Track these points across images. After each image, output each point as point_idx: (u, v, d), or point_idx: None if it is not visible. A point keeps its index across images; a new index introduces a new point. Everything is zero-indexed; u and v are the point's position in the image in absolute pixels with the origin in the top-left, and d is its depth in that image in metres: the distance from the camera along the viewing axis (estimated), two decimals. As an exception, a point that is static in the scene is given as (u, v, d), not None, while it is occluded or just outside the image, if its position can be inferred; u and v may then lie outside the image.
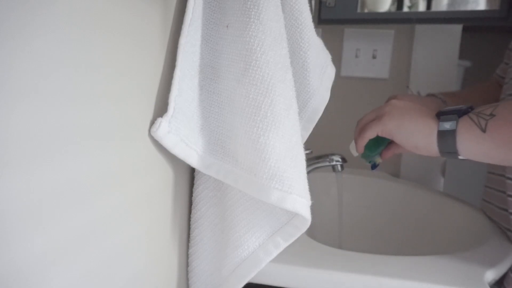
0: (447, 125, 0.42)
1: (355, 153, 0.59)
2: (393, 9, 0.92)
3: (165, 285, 0.38)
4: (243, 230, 0.38)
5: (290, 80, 0.36)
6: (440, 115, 0.44)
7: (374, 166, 0.60)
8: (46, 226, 0.20)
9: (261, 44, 0.32)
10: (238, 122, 0.34)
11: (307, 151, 0.56)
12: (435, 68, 0.95)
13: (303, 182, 0.35)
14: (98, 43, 0.23)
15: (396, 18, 0.92)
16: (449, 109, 0.44)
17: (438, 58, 0.95)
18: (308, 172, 0.64)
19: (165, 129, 0.31)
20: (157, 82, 0.33)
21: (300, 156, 0.36)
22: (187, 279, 0.44)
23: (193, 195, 0.42)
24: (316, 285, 0.45)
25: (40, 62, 0.19)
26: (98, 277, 0.26)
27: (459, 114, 0.43)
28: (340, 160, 0.74)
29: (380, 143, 0.55)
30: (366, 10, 0.93)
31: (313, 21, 0.43)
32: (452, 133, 0.42)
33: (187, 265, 0.44)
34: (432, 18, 0.89)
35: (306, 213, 0.35)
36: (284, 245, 0.38)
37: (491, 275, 0.46)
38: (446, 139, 0.43)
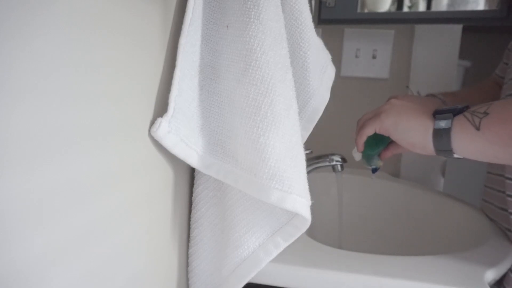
0: (442, 124, 0.43)
1: (357, 158, 0.59)
2: (393, 9, 0.92)
3: (165, 285, 0.38)
4: (243, 230, 0.38)
5: (290, 80, 0.36)
6: (436, 114, 0.44)
7: (374, 170, 0.60)
8: (46, 226, 0.20)
9: (261, 44, 0.32)
10: (238, 122, 0.34)
11: (307, 151, 0.56)
12: (435, 68, 0.95)
13: (303, 182, 0.35)
14: (98, 43, 0.23)
15: (396, 18, 0.92)
16: (445, 108, 0.45)
17: (438, 58, 0.95)
18: (308, 172, 0.64)
19: (165, 129, 0.31)
20: (157, 82, 0.33)
21: (300, 156, 0.36)
22: (187, 279, 0.44)
23: (193, 195, 0.42)
24: (316, 285, 0.45)
25: (40, 62, 0.19)
26: (98, 277, 0.26)
27: (455, 113, 0.43)
28: (340, 160, 0.74)
29: (380, 142, 0.55)
30: (366, 10, 0.93)
31: (313, 21, 0.43)
32: (447, 131, 0.42)
33: (187, 265, 0.44)
34: (432, 18, 0.89)
35: (306, 213, 0.35)
36: (284, 245, 0.38)
37: (491, 275, 0.46)
38: (441, 137, 0.43)
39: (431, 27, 0.94)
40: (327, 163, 0.74)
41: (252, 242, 0.38)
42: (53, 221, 0.21)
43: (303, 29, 0.41)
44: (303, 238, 0.53)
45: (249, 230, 0.38)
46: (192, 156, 0.35)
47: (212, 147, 0.36)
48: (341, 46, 1.00)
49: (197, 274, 0.43)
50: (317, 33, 0.45)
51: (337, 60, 1.00)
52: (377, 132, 0.50)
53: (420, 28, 0.95)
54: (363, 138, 0.53)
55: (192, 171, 0.43)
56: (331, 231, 0.76)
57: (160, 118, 0.31)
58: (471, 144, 0.41)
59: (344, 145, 0.74)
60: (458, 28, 0.94)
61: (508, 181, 0.56)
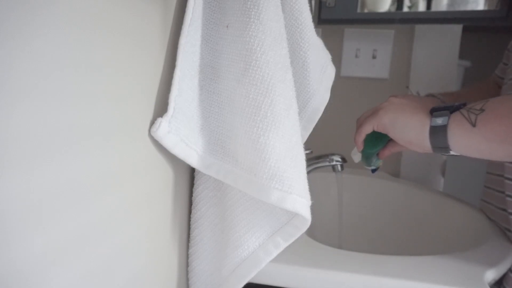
0: (439, 121, 0.43)
1: (357, 159, 0.60)
2: (393, 9, 0.92)
3: (165, 285, 0.38)
4: (243, 230, 0.38)
5: (290, 80, 0.36)
6: (433, 111, 0.45)
7: (374, 170, 0.60)
8: (46, 226, 0.20)
9: (261, 44, 0.32)
10: (238, 122, 0.34)
11: (307, 151, 0.56)
12: (435, 68, 0.95)
13: (303, 182, 0.35)
14: (98, 43, 0.23)
15: (396, 18, 0.92)
16: (442, 106, 0.45)
17: (438, 58, 0.95)
18: (308, 172, 0.64)
19: (165, 129, 0.31)
20: (157, 82, 0.33)
21: (300, 156, 0.36)
22: (187, 279, 0.44)
23: (193, 195, 0.42)
24: (316, 285, 0.45)
25: (40, 62, 0.19)
26: (98, 277, 0.26)
27: (451, 110, 0.43)
28: (340, 160, 0.74)
29: (379, 141, 0.55)
30: (366, 10, 0.93)
31: (313, 21, 0.43)
32: (443, 128, 0.43)
33: (187, 265, 0.44)
34: (432, 18, 0.89)
35: (306, 213, 0.35)
36: (284, 245, 0.38)
37: (491, 275, 0.46)
38: (437, 134, 0.43)
39: (431, 27, 0.94)
40: (327, 163, 0.74)
41: (252, 242, 0.38)
42: (53, 221, 0.21)
43: (303, 29, 0.41)
44: (303, 238, 0.53)
45: (249, 230, 0.38)
46: (192, 156, 0.35)
47: (212, 147, 0.36)
48: (341, 46, 1.00)
49: (197, 274, 0.43)
50: (317, 33, 0.45)
51: (337, 60, 1.00)
52: (375, 129, 0.51)
53: (420, 28, 0.95)
54: (362, 136, 0.53)
55: (192, 171, 0.43)
56: (331, 231, 0.76)
57: (160, 118, 0.31)
58: (467, 140, 0.41)
59: (344, 145, 0.74)
60: (458, 28, 0.94)
61: (507, 181, 0.56)
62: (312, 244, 0.52)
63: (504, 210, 0.58)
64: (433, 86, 0.95)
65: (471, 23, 0.92)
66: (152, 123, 0.32)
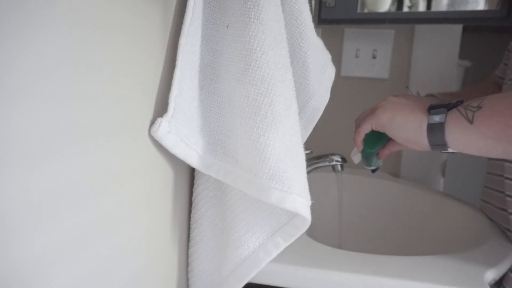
0: (436, 118, 0.43)
1: (356, 160, 0.59)
2: (393, 9, 0.92)
3: (165, 285, 0.38)
4: (243, 230, 0.38)
5: (290, 80, 0.36)
6: (431, 109, 0.45)
7: (374, 170, 0.60)
8: (46, 226, 0.20)
9: (261, 44, 0.32)
10: (238, 122, 0.34)
11: (307, 151, 0.56)
12: (435, 68, 0.95)
13: (303, 182, 0.35)
14: (98, 43, 0.23)
15: (396, 18, 0.92)
16: (440, 104, 0.45)
17: (438, 58, 0.95)
18: (308, 172, 0.64)
19: (165, 129, 0.31)
20: (157, 82, 0.33)
21: (300, 156, 0.36)
22: (187, 279, 0.44)
23: (193, 195, 0.42)
24: (316, 285, 0.45)
25: (40, 62, 0.19)
26: (98, 277, 0.26)
27: (449, 107, 0.43)
28: (340, 160, 0.74)
29: (378, 140, 0.55)
30: (366, 10, 0.93)
31: (313, 21, 0.43)
32: (441, 125, 0.43)
33: (187, 265, 0.44)
34: (432, 18, 0.89)
35: (306, 213, 0.35)
36: (284, 245, 0.38)
37: (491, 275, 0.46)
38: (435, 132, 0.43)
39: (431, 27, 0.93)
40: (327, 163, 0.74)
41: (252, 242, 0.38)
42: (53, 221, 0.21)
43: (303, 29, 0.41)
44: (303, 238, 0.53)
45: (249, 230, 0.38)
46: (192, 156, 0.35)
47: (212, 147, 0.36)
48: (341, 46, 1.00)
49: (197, 274, 0.43)
50: (317, 33, 0.45)
51: (337, 60, 1.00)
52: (374, 129, 0.51)
53: (420, 28, 0.95)
54: (361, 136, 0.53)
55: (192, 171, 0.43)
56: (331, 231, 0.76)
57: (160, 118, 0.31)
58: (464, 137, 0.42)
59: (344, 145, 0.74)
60: (458, 28, 0.93)
61: (507, 181, 0.56)
62: (312, 244, 0.52)
63: (504, 210, 0.58)
64: (433, 86, 0.95)
65: (471, 23, 0.92)
66: (152, 123, 0.32)
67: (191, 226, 0.43)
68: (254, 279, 0.41)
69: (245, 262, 0.38)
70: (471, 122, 0.40)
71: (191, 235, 0.43)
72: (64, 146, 0.21)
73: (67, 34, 0.21)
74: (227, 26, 0.34)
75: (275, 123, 0.33)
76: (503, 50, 0.69)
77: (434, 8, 0.89)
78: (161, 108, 0.33)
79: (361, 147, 0.55)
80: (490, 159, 0.63)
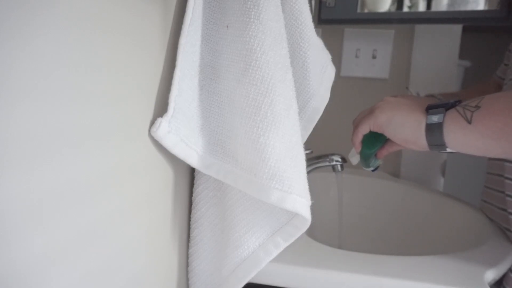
0: (435, 118, 0.43)
1: (354, 161, 0.59)
2: (393, 9, 0.92)
3: (165, 285, 0.38)
4: (243, 230, 0.38)
5: (290, 80, 0.36)
6: (429, 109, 0.45)
7: (374, 169, 0.60)
8: (46, 226, 0.20)
9: (261, 44, 0.32)
10: (238, 122, 0.34)
11: (307, 151, 0.56)
12: (435, 68, 0.95)
13: (303, 182, 0.35)
14: (98, 43, 0.23)
15: (396, 18, 0.92)
16: (438, 104, 0.45)
17: (438, 58, 0.95)
18: (308, 172, 0.64)
19: (165, 129, 0.31)
20: (157, 82, 0.33)
21: (300, 156, 0.36)
22: (187, 279, 0.44)
23: (193, 195, 0.42)
24: (316, 285, 0.45)
25: (40, 62, 0.19)
26: (98, 277, 0.26)
27: (447, 107, 0.43)
28: (340, 160, 0.74)
29: (377, 141, 0.55)
30: (366, 10, 0.93)
31: (313, 21, 0.43)
32: (439, 125, 0.43)
33: (187, 265, 0.44)
34: (432, 18, 0.89)
35: (306, 213, 0.35)
36: (284, 245, 0.38)
37: (491, 275, 0.46)
38: (433, 132, 0.43)
39: (431, 27, 0.94)
40: (327, 163, 0.74)
41: (252, 242, 0.38)
42: (53, 221, 0.21)
43: (303, 29, 0.41)
44: (303, 238, 0.53)
45: (249, 230, 0.38)
46: (192, 156, 0.35)
47: (212, 147, 0.36)
48: (341, 46, 1.00)
49: (197, 274, 0.43)
50: (317, 33, 0.45)
51: (337, 60, 1.00)
52: (372, 129, 0.51)
53: (420, 28, 0.95)
54: (359, 137, 0.53)
55: (192, 171, 0.43)
56: (331, 231, 0.76)
57: (160, 118, 0.31)
58: (463, 137, 0.41)
59: (344, 145, 0.74)
60: (458, 28, 0.94)
61: (507, 181, 0.56)
62: (312, 244, 0.52)
63: (504, 210, 0.58)
64: (433, 86, 0.95)
65: (471, 23, 0.92)
66: (152, 123, 0.32)
67: (191, 226, 0.43)
68: (254, 279, 0.41)
69: (245, 262, 0.38)
70: (469, 122, 0.40)
71: (191, 235, 0.43)
72: (64, 146, 0.21)
73: (67, 34, 0.21)
74: (227, 26, 0.34)
75: (275, 123, 0.33)
76: (503, 50, 0.69)
77: (434, 8, 0.89)
78: (161, 108, 0.33)
79: (359, 148, 0.55)
80: (490, 159, 0.63)
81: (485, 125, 0.39)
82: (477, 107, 0.41)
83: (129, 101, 0.28)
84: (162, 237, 0.37)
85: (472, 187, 1.03)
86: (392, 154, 0.57)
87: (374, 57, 0.98)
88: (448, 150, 0.44)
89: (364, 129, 0.51)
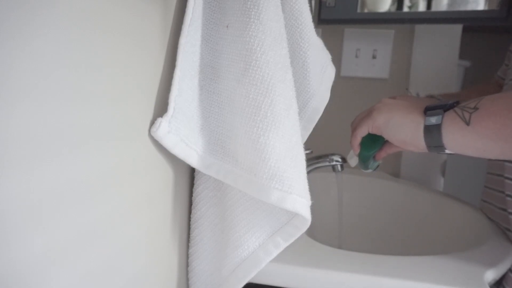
0: (433, 120, 0.43)
1: (353, 163, 0.59)
2: (393, 9, 0.92)
3: (165, 285, 0.38)
4: (243, 230, 0.38)
5: (290, 80, 0.36)
6: (427, 110, 0.45)
7: (374, 169, 0.60)
8: (46, 226, 0.20)
9: (261, 44, 0.32)
10: (238, 122, 0.34)
11: (307, 151, 0.56)
12: (435, 68, 0.95)
13: (303, 182, 0.35)
14: (98, 43, 0.23)
15: (396, 18, 0.92)
16: (436, 105, 0.45)
17: (438, 58, 0.95)
18: (308, 172, 0.64)
19: (165, 129, 0.31)
20: (157, 82, 0.33)
21: (300, 156, 0.36)
22: (187, 279, 0.44)
23: (193, 195, 0.42)
24: (316, 285, 0.45)
25: (40, 62, 0.19)
26: (98, 277, 0.26)
27: (445, 108, 0.43)
28: (340, 160, 0.74)
29: (375, 142, 0.55)
30: (366, 10, 0.93)
31: (313, 21, 0.43)
32: (437, 127, 0.42)
33: (187, 265, 0.44)
34: (432, 18, 0.89)
35: (306, 213, 0.35)
36: (284, 245, 0.38)
37: (491, 275, 0.46)
38: (432, 133, 0.43)
39: (431, 27, 0.94)
40: (327, 163, 0.74)
41: (252, 242, 0.38)
42: (53, 221, 0.21)
43: (303, 29, 0.41)
44: (303, 238, 0.53)
45: (249, 230, 0.38)
46: (192, 156, 0.35)
47: (212, 147, 0.36)
48: (341, 46, 1.00)
49: (197, 274, 0.43)
50: (317, 33, 0.45)
51: (337, 60, 1.00)
52: (370, 131, 0.50)
53: (420, 28, 0.95)
54: (357, 139, 0.53)
55: (192, 171, 0.43)
56: (331, 231, 0.76)
57: (160, 118, 0.31)
58: (462, 139, 0.41)
59: (344, 145, 0.74)
60: (458, 28, 0.94)
61: (507, 181, 0.56)
62: (312, 244, 0.52)
63: (504, 210, 0.58)
64: (433, 86, 0.95)
65: (471, 23, 0.92)
66: (152, 123, 0.32)
67: (191, 226, 0.43)
68: (254, 279, 0.41)
69: (245, 262, 0.38)
70: (468, 123, 0.40)
71: (191, 235, 0.43)
72: (64, 146, 0.21)
73: (67, 34, 0.21)
74: (227, 26, 0.34)
75: (275, 123, 0.33)
76: (503, 50, 0.69)
77: (434, 8, 0.89)
78: (161, 108, 0.33)
79: (358, 150, 0.55)
80: (490, 159, 0.63)
81: (484, 126, 0.39)
82: (476, 108, 0.41)
83: (129, 101, 0.28)
84: (162, 237, 0.37)
85: (472, 187, 1.03)
86: (392, 155, 0.57)
87: (374, 57, 0.98)
88: (447, 151, 0.44)
89: (362, 132, 0.51)
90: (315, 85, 0.44)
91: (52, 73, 0.20)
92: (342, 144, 0.80)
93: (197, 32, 0.34)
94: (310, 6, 0.54)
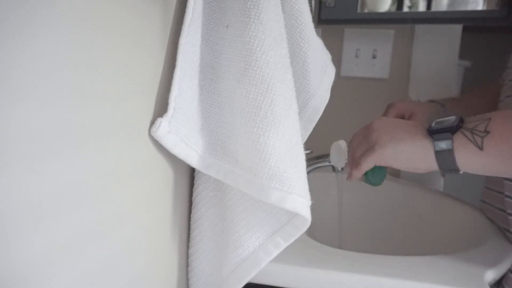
0: (442, 145, 0.42)
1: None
2: (393, 9, 0.92)
3: (165, 285, 0.38)
4: (243, 230, 0.38)
5: (290, 80, 0.36)
6: (433, 134, 0.43)
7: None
8: (46, 226, 0.20)
9: (261, 44, 0.32)
10: (238, 122, 0.34)
11: (307, 151, 0.55)
12: (435, 68, 0.95)
13: (303, 182, 0.35)
14: (98, 43, 0.23)
15: (396, 18, 0.92)
16: (440, 128, 0.43)
17: (438, 58, 0.95)
18: (308, 172, 0.63)
19: (165, 129, 0.31)
20: (157, 82, 0.33)
21: (300, 156, 0.36)
22: (187, 279, 0.44)
23: (193, 195, 0.42)
24: (316, 285, 0.45)
25: (40, 62, 0.19)
26: (98, 277, 0.26)
27: (452, 131, 0.42)
28: (340, 160, 0.74)
29: (382, 168, 0.53)
30: (366, 10, 0.93)
31: (313, 21, 0.43)
32: (449, 152, 0.42)
33: (187, 265, 0.44)
34: (432, 18, 0.89)
35: (306, 213, 0.35)
36: (284, 245, 0.38)
37: (491, 275, 0.46)
38: (444, 158, 0.42)
39: (431, 27, 0.93)
40: (327, 163, 0.74)
41: (252, 242, 0.38)
42: (53, 221, 0.21)
43: (303, 29, 0.41)
44: (303, 238, 0.53)
45: (249, 230, 0.38)
46: (192, 156, 0.35)
47: (212, 147, 0.36)
48: (341, 46, 1.00)
49: (197, 274, 0.43)
50: (317, 33, 0.45)
51: (337, 60, 1.00)
52: (377, 165, 0.49)
53: (420, 28, 0.94)
54: (362, 173, 0.51)
55: (192, 171, 0.43)
56: (331, 231, 0.76)
57: (160, 118, 0.31)
58: (475, 162, 0.41)
59: (344, 145, 0.74)
60: (458, 28, 0.93)
61: (506, 181, 0.56)
62: (312, 244, 0.52)
63: (503, 210, 0.58)
64: (433, 86, 0.95)
65: (471, 23, 0.92)
66: (152, 123, 0.32)
67: (191, 226, 0.43)
68: (254, 279, 0.41)
69: (245, 262, 0.38)
70: (481, 148, 0.40)
71: (191, 235, 0.43)
72: (64, 146, 0.21)
73: (67, 34, 0.21)
74: (227, 26, 0.34)
75: (275, 123, 0.33)
76: (503, 50, 0.69)
77: (434, 8, 0.89)
78: (161, 108, 0.33)
79: (361, 179, 0.53)
80: None
81: (498, 150, 0.39)
82: (487, 132, 0.40)
83: (129, 101, 0.28)
84: (162, 237, 0.37)
85: (472, 187, 1.02)
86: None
87: (374, 57, 0.98)
88: (461, 172, 0.43)
89: (368, 166, 0.49)
90: (315, 85, 0.44)
91: (52, 73, 0.20)
92: (342, 144, 0.80)
93: (197, 32, 0.34)
94: (310, 6, 0.54)
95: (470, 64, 1.16)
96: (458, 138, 0.42)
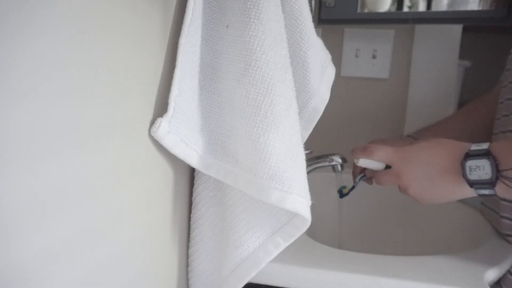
0: (485, 192, 0.44)
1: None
2: (393, 9, 0.92)
3: (165, 285, 0.38)
4: (243, 230, 0.38)
5: (290, 80, 0.36)
6: (473, 185, 0.44)
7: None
8: (47, 226, 0.20)
9: (261, 44, 0.32)
10: (238, 122, 0.34)
11: (307, 151, 0.55)
12: (435, 68, 0.95)
13: (303, 182, 0.35)
14: (98, 43, 0.23)
15: (396, 18, 0.92)
16: (478, 180, 0.44)
17: (438, 58, 0.95)
18: (308, 172, 0.63)
19: (165, 129, 0.31)
20: (157, 82, 0.33)
21: (300, 156, 0.36)
22: (187, 279, 0.44)
23: (193, 195, 0.42)
24: (316, 285, 0.45)
25: (40, 62, 0.19)
26: (98, 277, 0.26)
27: (492, 183, 0.43)
28: (340, 160, 0.74)
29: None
30: (366, 10, 0.93)
31: (313, 21, 0.43)
32: (492, 194, 0.44)
33: (187, 265, 0.44)
34: (432, 18, 0.89)
35: (306, 213, 0.35)
36: (284, 245, 0.38)
37: (491, 275, 0.46)
38: (487, 196, 0.45)
39: (431, 27, 0.93)
40: (327, 163, 0.74)
41: (252, 242, 0.38)
42: (53, 221, 0.21)
43: (303, 29, 0.41)
44: (303, 238, 0.53)
45: (249, 230, 0.38)
46: (192, 156, 0.35)
47: (212, 147, 0.36)
48: (341, 46, 1.00)
49: (197, 274, 0.43)
50: (317, 33, 0.45)
51: (337, 60, 1.00)
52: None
53: (420, 28, 0.94)
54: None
55: (192, 171, 0.43)
56: (331, 231, 0.76)
57: (160, 118, 0.31)
58: None
59: (344, 145, 0.74)
60: (458, 28, 0.93)
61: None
62: (312, 244, 0.52)
63: (497, 213, 0.58)
64: (433, 86, 0.95)
65: (471, 23, 0.92)
66: (152, 123, 0.32)
67: (191, 226, 0.43)
68: (254, 279, 0.41)
69: (245, 262, 0.38)
70: None
71: (191, 235, 0.43)
72: (64, 146, 0.21)
73: (67, 34, 0.21)
74: (227, 26, 0.34)
75: (275, 123, 0.33)
76: (503, 50, 0.69)
77: (434, 8, 0.89)
78: (161, 108, 0.33)
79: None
80: None
81: None
82: None
83: (129, 101, 0.28)
84: (162, 237, 0.37)
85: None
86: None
87: (374, 57, 0.98)
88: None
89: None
90: (315, 85, 0.44)
91: (52, 73, 0.20)
92: (342, 144, 0.80)
93: (197, 32, 0.34)
94: (310, 6, 0.54)
95: (470, 64, 1.16)
96: (500, 187, 0.43)
